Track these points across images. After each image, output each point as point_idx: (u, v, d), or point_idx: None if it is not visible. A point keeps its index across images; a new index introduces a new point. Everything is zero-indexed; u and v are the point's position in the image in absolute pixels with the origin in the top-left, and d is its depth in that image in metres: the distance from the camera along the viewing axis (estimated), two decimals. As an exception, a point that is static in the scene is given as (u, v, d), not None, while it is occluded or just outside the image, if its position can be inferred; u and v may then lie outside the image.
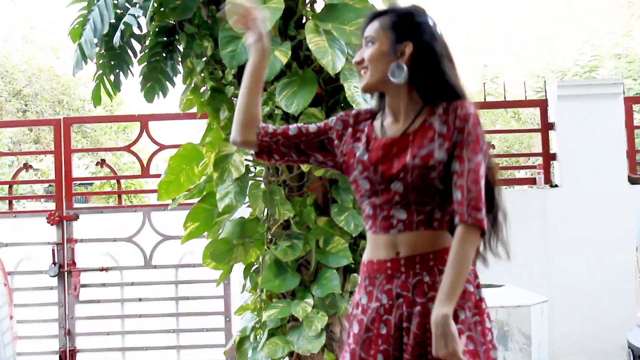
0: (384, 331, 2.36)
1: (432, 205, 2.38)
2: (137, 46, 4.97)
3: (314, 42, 4.14)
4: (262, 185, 4.65)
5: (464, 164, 2.33)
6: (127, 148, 7.28)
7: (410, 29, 2.40)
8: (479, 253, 2.55)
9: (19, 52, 19.94)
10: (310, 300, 4.42)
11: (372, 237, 2.45)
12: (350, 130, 2.52)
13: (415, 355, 2.31)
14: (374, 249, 2.45)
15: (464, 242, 2.31)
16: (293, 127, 2.59)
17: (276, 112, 4.36)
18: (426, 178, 2.34)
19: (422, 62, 2.39)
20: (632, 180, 6.81)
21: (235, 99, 4.57)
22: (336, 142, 2.54)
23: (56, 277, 6.75)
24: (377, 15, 2.46)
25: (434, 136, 2.35)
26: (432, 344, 2.22)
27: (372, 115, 2.54)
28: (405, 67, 2.37)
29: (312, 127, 2.58)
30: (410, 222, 2.38)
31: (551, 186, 6.86)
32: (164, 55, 4.90)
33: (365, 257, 2.48)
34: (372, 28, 2.43)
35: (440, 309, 2.23)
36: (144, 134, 6.95)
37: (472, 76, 16.30)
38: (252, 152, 2.64)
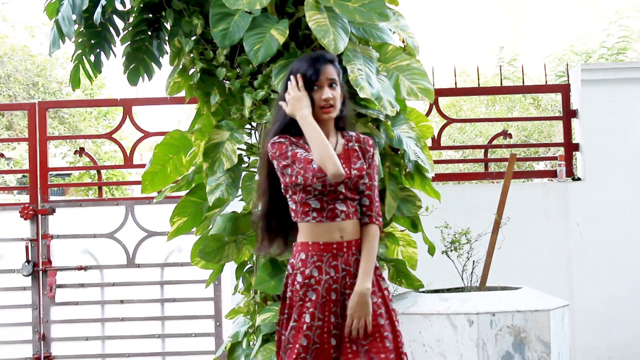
0: (333, 297, 3.54)
1: (356, 201, 3.63)
2: (120, 24, 4.96)
3: (314, 20, 4.14)
4: (257, 177, 4.65)
5: (371, 180, 3.67)
6: (109, 135, 7.29)
7: (341, 80, 3.68)
8: None
9: (-11, 30, 19.92)
10: (308, 303, 4.42)
11: (316, 226, 3.57)
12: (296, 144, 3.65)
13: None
14: (318, 234, 3.57)
15: (374, 236, 3.63)
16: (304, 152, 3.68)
17: (272, 96, 4.36)
18: (358, 182, 3.61)
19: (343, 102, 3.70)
20: (663, 174, 6.82)
21: (226, 81, 4.57)
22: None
23: (30, 277, 6.76)
24: (330, 61, 3.63)
25: (358, 155, 3.64)
26: (351, 306, 3.48)
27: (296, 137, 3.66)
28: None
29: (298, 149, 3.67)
30: (347, 213, 3.58)
31: (573, 179, 6.87)
32: (150, 33, 4.90)
33: (307, 239, 3.59)
34: (333, 72, 3.62)
35: (365, 283, 3.50)
36: (127, 120, 6.95)
37: (488, 58, 16.27)
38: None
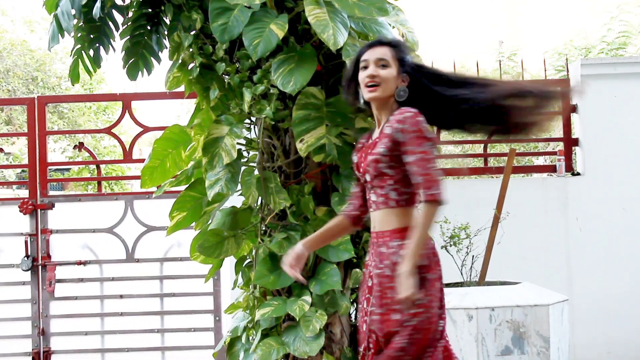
0: (370, 284, 3.51)
1: (387, 189, 3.46)
2: (119, 18, 4.96)
3: (314, 14, 4.13)
4: (256, 172, 4.65)
5: (412, 155, 3.34)
6: (108, 130, 7.28)
7: (406, 63, 3.55)
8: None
9: (-12, 25, 19.91)
10: (307, 298, 4.42)
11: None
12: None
13: (376, 305, 3.43)
14: (370, 222, 3.58)
15: (424, 216, 3.30)
16: (357, 190, 3.78)
17: (271, 91, 4.36)
18: (377, 167, 3.45)
19: (412, 87, 3.54)
20: (662, 169, 6.82)
21: (226, 76, 4.57)
22: None
23: (29, 272, 6.76)
24: (385, 43, 3.57)
25: (384, 139, 3.44)
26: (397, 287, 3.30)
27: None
28: (407, 91, 3.53)
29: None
30: (376, 203, 3.50)
31: (573, 174, 6.87)
32: (149, 28, 4.89)
33: None
34: (386, 54, 3.53)
35: (403, 266, 3.27)
36: (127, 114, 6.95)
37: (488, 53, 16.28)
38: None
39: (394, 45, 3.59)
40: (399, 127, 3.38)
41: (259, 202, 4.68)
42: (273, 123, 4.56)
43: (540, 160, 12.86)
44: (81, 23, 4.84)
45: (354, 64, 3.64)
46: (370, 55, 3.54)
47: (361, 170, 3.57)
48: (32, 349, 6.78)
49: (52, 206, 6.81)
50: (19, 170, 17.86)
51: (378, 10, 4.20)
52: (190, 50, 4.61)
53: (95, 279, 6.86)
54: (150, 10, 4.83)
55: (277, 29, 4.18)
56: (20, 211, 6.74)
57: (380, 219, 3.49)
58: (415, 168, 3.33)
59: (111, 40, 4.99)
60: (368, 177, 3.51)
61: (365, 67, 3.54)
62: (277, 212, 4.60)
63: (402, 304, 3.27)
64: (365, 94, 3.53)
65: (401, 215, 3.47)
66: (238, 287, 4.97)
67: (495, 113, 3.56)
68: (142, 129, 6.96)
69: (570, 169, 6.90)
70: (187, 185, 4.95)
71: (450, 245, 5.31)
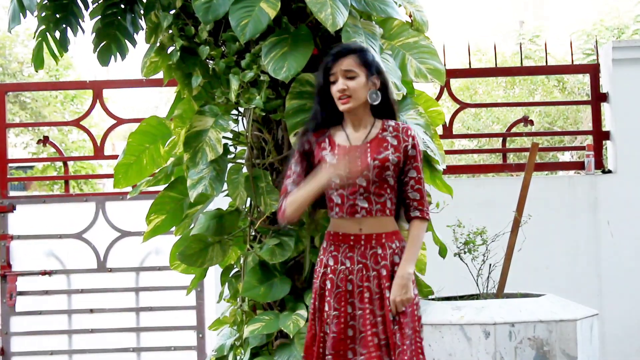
0: (350, 288, 3.86)
1: (385, 198, 3.90)
2: (88, -5, 4.97)
3: (310, -9, 4.14)
4: (244, 170, 4.65)
5: (419, 173, 3.95)
6: (76, 122, 7.28)
7: (373, 65, 3.91)
8: None
9: (-60, 3, 19.91)
10: (303, 312, 4.43)
11: (338, 220, 3.92)
12: (315, 145, 3.98)
13: (375, 306, 3.81)
14: (339, 226, 3.92)
15: (421, 229, 3.97)
16: (295, 178, 3.97)
17: (262, 78, 4.36)
18: (382, 175, 3.85)
19: (381, 89, 3.94)
20: None
21: (210, 61, 4.57)
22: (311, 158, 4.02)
23: (-13, 283, 6.77)
24: (349, 52, 3.88)
25: (388, 146, 3.89)
26: (393, 290, 3.79)
27: (325, 130, 4.01)
28: (379, 94, 3.91)
29: (298, 166, 4.00)
30: (370, 210, 3.88)
31: (603, 172, 6.88)
32: (122, 7, 4.89)
33: (331, 229, 3.97)
34: (350, 64, 3.86)
35: (407, 268, 3.83)
36: (97, 105, 6.94)
37: (507, 35, 16.29)
38: None
39: (357, 51, 3.92)
40: (411, 142, 3.93)
41: (247, 204, 4.69)
42: (264, 114, 4.56)
43: (566, 156, 12.91)
44: (46, 1, 4.83)
45: (323, 75, 3.94)
46: (337, 68, 3.87)
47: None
48: (-9, 371, 6.79)
49: (12, 208, 6.81)
50: (-25, 168, 17.86)
51: (382, -14, 4.21)
52: (170, 31, 4.61)
53: (62, 291, 6.85)
54: (124, -14, 4.83)
55: (268, 7, 4.18)
56: (-23, 214, 6.75)
57: (371, 224, 3.91)
58: (417, 185, 3.96)
59: (80, 20, 4.98)
60: (363, 182, 3.86)
61: (334, 81, 3.88)
62: (268, 215, 4.60)
63: (403, 303, 3.79)
64: (340, 106, 3.89)
65: (391, 222, 3.98)
66: (224, 300, 4.98)
67: None
68: (116, 121, 6.97)
69: (600, 165, 6.90)
70: (166, 185, 4.95)
71: (465, 253, 5.31)
